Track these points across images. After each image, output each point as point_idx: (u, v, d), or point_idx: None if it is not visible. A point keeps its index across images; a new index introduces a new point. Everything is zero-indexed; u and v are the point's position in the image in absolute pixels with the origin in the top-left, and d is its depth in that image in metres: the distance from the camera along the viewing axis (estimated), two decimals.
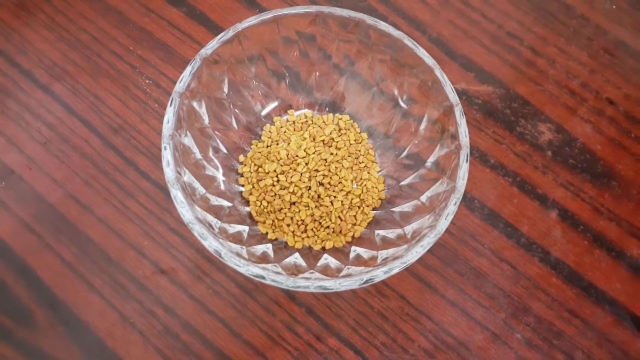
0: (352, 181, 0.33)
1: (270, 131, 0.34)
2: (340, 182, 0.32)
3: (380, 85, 0.33)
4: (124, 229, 0.33)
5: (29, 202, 0.33)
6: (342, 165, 0.33)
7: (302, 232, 0.31)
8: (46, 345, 0.31)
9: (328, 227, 0.31)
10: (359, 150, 0.34)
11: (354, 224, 0.32)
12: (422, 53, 0.29)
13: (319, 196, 0.32)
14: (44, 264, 0.32)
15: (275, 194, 0.32)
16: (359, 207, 0.32)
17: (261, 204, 0.32)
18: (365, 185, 0.33)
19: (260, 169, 0.33)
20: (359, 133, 0.34)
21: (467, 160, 0.27)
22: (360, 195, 0.32)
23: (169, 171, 0.26)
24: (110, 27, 0.38)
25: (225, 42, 0.29)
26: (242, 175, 0.33)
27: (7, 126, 0.35)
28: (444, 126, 0.30)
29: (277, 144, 0.33)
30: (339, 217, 0.32)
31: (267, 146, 0.34)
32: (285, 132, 0.34)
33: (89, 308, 0.31)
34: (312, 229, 0.31)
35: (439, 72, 0.29)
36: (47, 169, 0.34)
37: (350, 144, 0.34)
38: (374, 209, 0.33)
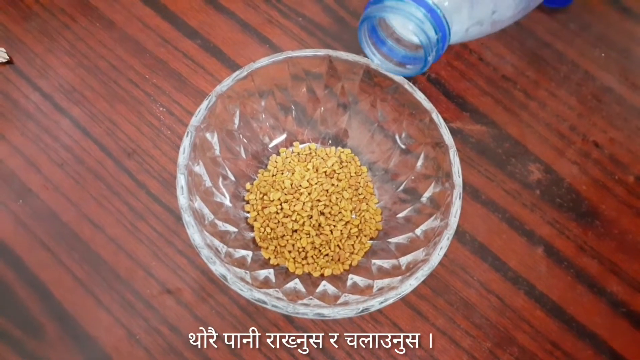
0: (351, 211, 0.34)
1: (276, 161, 0.36)
2: (340, 212, 0.34)
3: (381, 123, 0.36)
4: (133, 249, 0.34)
5: (44, 220, 0.35)
6: (343, 196, 0.35)
7: (302, 259, 0.33)
8: (54, 357, 0.32)
9: (327, 254, 0.33)
10: (359, 183, 0.36)
11: (352, 253, 0.34)
12: (420, 96, 0.31)
13: (319, 225, 0.34)
14: (56, 279, 0.34)
15: (279, 221, 0.34)
16: (357, 237, 0.34)
17: (265, 230, 0.34)
18: (363, 215, 0.35)
19: (265, 197, 0.35)
20: (360, 166, 0.37)
21: (459, 198, 0.29)
22: (358, 225, 0.34)
23: (183, 198, 0.28)
24: (128, 55, 0.40)
25: (240, 80, 0.31)
26: (248, 202, 0.35)
27: (27, 147, 0.37)
28: (439, 164, 0.32)
29: (282, 174, 0.35)
30: (338, 245, 0.34)
31: (273, 175, 0.36)
32: (290, 162, 0.36)
33: (97, 323, 0.33)
34: (312, 256, 0.33)
35: (435, 116, 0.31)
36: (62, 189, 0.36)
37: (351, 177, 0.36)
38: (371, 238, 0.35)
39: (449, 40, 0.25)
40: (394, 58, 0.27)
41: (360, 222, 0.34)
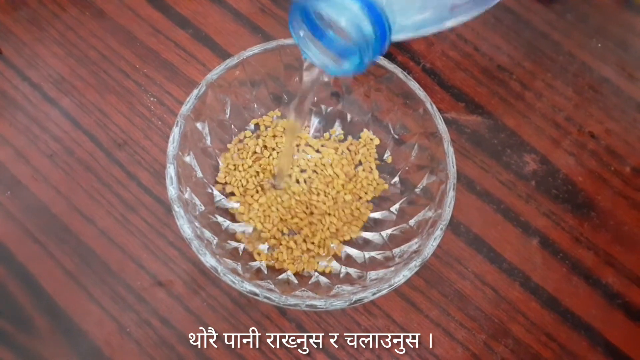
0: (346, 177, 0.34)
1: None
2: (332, 180, 0.34)
3: (375, 113, 0.35)
4: (124, 242, 0.34)
5: (33, 212, 0.34)
6: (332, 160, 0.35)
7: (297, 256, 0.33)
8: (45, 352, 0.32)
9: (317, 246, 0.33)
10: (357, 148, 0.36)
11: (348, 222, 0.33)
12: (414, 86, 0.31)
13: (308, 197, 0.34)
14: (46, 272, 0.33)
15: (270, 216, 0.33)
16: (352, 204, 0.34)
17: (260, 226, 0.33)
18: (360, 181, 0.34)
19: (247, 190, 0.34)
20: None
21: (453, 189, 0.29)
22: (352, 189, 0.34)
23: (172, 189, 0.28)
24: (119, 45, 0.39)
25: (231, 68, 0.31)
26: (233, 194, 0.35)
27: (15, 138, 0.36)
28: (433, 155, 0.31)
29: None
30: (334, 215, 0.33)
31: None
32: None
33: (88, 317, 0.32)
34: (305, 255, 0.33)
35: (429, 106, 0.30)
36: (52, 181, 0.35)
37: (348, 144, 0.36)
38: (366, 229, 0.34)
39: (390, 39, 0.21)
40: (335, 52, 0.22)
41: (355, 187, 0.34)
